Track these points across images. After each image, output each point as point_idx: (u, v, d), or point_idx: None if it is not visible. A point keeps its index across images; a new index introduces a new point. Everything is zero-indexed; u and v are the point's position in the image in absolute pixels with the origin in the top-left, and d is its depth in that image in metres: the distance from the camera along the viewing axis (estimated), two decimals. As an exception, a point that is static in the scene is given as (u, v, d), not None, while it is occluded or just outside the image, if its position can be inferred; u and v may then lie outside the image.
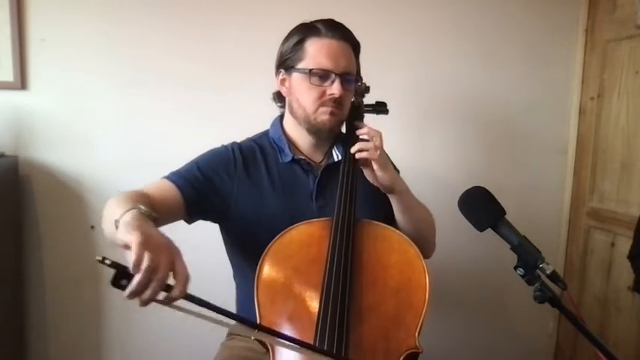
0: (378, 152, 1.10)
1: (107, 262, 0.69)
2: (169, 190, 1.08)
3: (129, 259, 0.72)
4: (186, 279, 0.75)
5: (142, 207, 0.87)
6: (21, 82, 1.70)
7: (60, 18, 1.71)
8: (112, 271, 0.71)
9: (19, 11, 1.68)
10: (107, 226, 0.91)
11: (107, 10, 1.73)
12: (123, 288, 0.71)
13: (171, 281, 0.74)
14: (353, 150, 1.12)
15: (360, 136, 1.14)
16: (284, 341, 0.82)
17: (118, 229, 0.80)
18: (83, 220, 1.79)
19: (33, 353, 1.82)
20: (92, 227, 1.79)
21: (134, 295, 0.71)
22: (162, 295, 0.73)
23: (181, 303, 0.75)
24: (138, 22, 1.75)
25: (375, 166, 1.11)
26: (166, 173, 1.15)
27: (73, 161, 1.77)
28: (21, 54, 1.69)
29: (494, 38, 1.96)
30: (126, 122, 1.79)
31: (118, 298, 1.98)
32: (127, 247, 0.74)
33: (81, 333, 1.85)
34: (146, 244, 0.73)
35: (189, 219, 1.13)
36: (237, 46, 1.80)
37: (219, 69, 1.80)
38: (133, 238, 0.73)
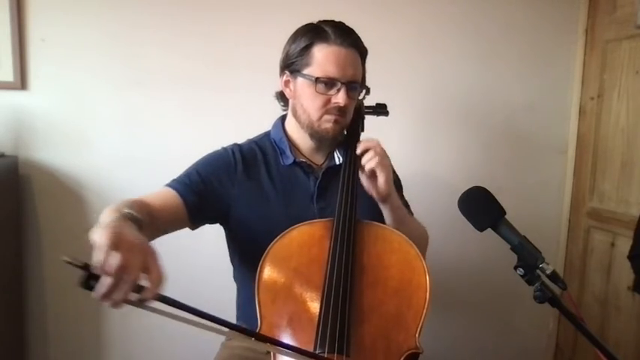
0: (387, 160, 1.10)
1: (77, 263, 0.65)
2: (170, 197, 1.08)
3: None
4: (158, 279, 0.71)
5: (126, 210, 0.84)
6: (21, 82, 1.70)
7: (60, 18, 1.72)
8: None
9: (19, 11, 1.68)
10: None
11: (107, 10, 1.74)
12: (92, 289, 0.67)
13: (146, 283, 0.71)
14: (364, 162, 1.09)
15: (362, 151, 1.11)
16: (275, 346, 0.82)
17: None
18: (83, 219, 1.79)
19: (33, 354, 1.82)
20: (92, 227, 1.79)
21: (103, 296, 0.67)
22: (134, 297, 0.70)
23: (158, 306, 0.72)
24: (138, 22, 1.75)
25: (380, 175, 1.09)
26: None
27: (73, 161, 1.77)
28: (21, 54, 1.69)
29: (494, 38, 1.96)
30: (126, 122, 1.79)
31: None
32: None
33: (81, 333, 1.85)
34: (116, 243, 0.68)
35: (193, 225, 1.13)
36: (237, 46, 1.80)
37: (220, 68, 1.80)
38: (100, 238, 0.69)
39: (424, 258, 1.15)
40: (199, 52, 1.79)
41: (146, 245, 0.75)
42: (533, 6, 1.96)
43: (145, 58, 1.77)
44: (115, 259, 0.67)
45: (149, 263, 0.72)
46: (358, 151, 1.11)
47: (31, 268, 1.79)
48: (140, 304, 0.71)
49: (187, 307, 0.72)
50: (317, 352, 0.89)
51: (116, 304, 0.69)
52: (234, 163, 1.18)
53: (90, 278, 0.67)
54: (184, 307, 0.72)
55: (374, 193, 1.11)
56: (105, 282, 0.67)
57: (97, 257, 0.67)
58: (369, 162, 1.08)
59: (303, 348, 0.87)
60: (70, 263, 0.65)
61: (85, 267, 0.67)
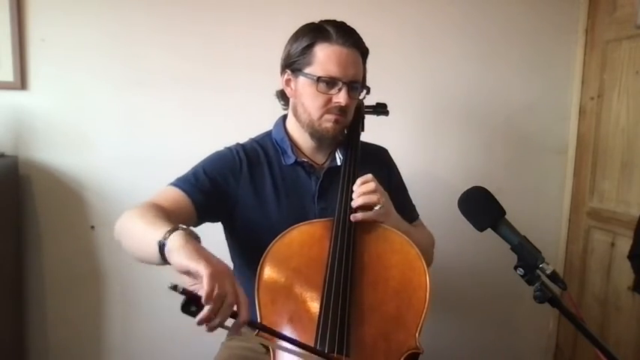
0: (384, 209, 1.07)
1: (179, 289, 0.72)
2: (180, 199, 1.07)
3: (188, 282, 0.76)
4: (247, 303, 0.79)
5: (184, 226, 0.86)
6: (21, 82, 1.70)
7: (60, 18, 1.71)
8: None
9: (19, 11, 1.67)
10: (138, 243, 0.91)
11: (107, 10, 1.73)
12: (192, 314, 0.74)
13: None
14: (358, 216, 1.06)
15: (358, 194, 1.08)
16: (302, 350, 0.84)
17: (171, 253, 0.80)
18: (83, 220, 1.79)
19: (33, 355, 1.82)
20: (92, 227, 1.79)
21: (205, 322, 0.74)
22: (230, 322, 0.76)
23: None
24: (138, 22, 1.75)
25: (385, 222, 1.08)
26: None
27: (73, 161, 1.77)
28: (21, 54, 1.69)
29: (494, 39, 1.96)
30: (126, 122, 1.79)
31: (118, 298, 1.98)
32: (187, 272, 0.76)
33: (81, 333, 1.85)
34: (215, 273, 0.74)
35: (197, 224, 1.12)
36: (237, 46, 1.80)
37: (220, 68, 1.80)
38: (202, 269, 0.74)
39: (430, 266, 1.14)
40: (199, 53, 1.79)
41: (230, 268, 0.81)
42: (533, 6, 1.96)
43: (145, 58, 1.77)
44: (220, 289, 0.74)
45: (236, 287, 0.78)
46: (355, 195, 1.07)
47: (31, 268, 1.79)
48: (234, 328, 0.78)
49: (278, 333, 0.79)
50: (317, 352, 0.90)
51: (212, 329, 0.75)
52: (240, 162, 1.18)
53: (190, 304, 0.74)
54: (275, 333, 0.79)
55: None
56: (208, 310, 0.73)
57: (204, 287, 0.73)
58: (366, 214, 1.06)
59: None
60: (173, 289, 0.71)
61: (190, 294, 0.73)
